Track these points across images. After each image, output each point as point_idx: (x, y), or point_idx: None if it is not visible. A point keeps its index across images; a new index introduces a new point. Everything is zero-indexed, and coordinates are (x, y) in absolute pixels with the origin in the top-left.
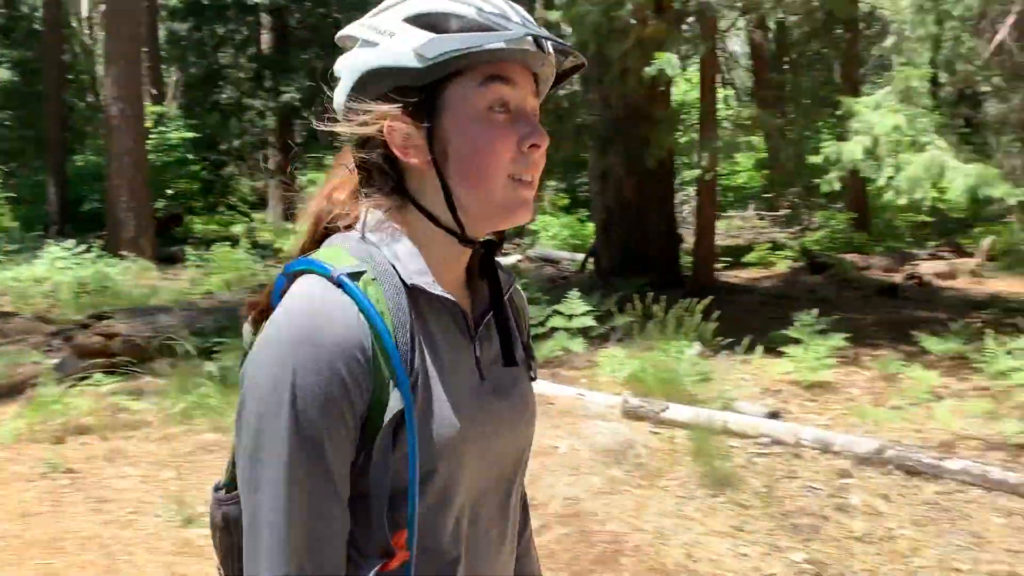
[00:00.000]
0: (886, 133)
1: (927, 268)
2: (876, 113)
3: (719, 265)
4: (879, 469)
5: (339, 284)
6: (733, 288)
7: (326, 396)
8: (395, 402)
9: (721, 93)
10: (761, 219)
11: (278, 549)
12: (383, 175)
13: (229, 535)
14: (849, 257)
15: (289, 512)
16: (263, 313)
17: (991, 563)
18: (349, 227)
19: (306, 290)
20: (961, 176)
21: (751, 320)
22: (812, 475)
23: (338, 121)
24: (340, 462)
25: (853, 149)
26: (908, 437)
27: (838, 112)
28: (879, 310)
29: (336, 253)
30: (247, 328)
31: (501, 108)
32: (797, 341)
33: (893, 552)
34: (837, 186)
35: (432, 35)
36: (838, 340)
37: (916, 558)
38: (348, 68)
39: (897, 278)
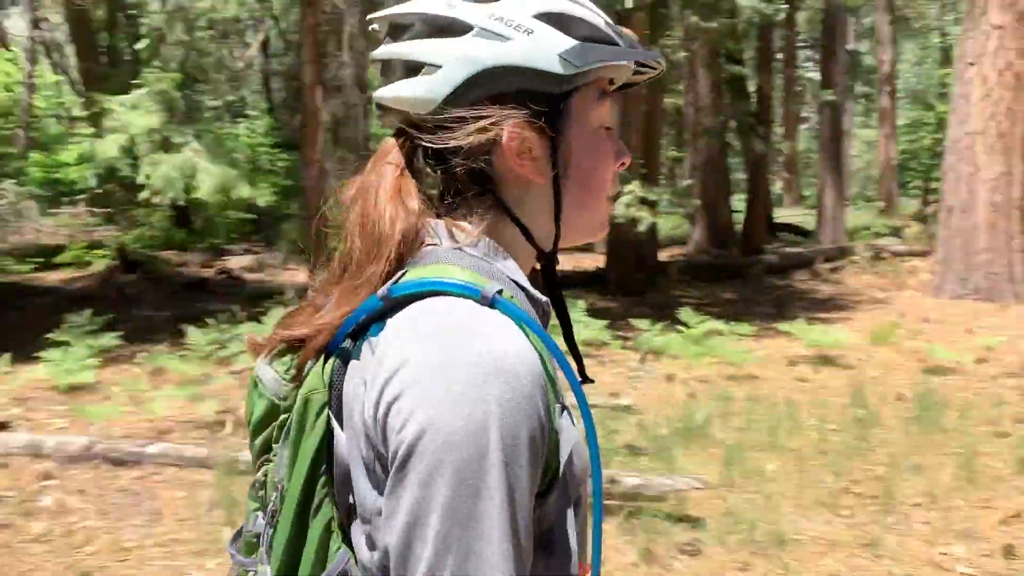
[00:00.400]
0: (142, 133)
1: (237, 263)
2: (133, 113)
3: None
4: (86, 465)
5: (493, 304)
6: (32, 291)
7: (531, 438)
8: (567, 432)
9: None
10: (93, 216)
11: None
12: (477, 184)
13: None
14: (166, 254)
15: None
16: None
17: (162, 535)
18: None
19: (459, 313)
20: (209, 177)
21: (40, 324)
22: (11, 483)
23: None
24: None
25: (108, 147)
26: (127, 429)
27: (93, 109)
28: (185, 304)
29: (453, 271)
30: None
31: (606, 125)
32: (65, 344)
33: (69, 545)
34: (93, 183)
35: (574, 40)
36: (110, 340)
37: (90, 546)
38: (458, 60)
39: (209, 273)
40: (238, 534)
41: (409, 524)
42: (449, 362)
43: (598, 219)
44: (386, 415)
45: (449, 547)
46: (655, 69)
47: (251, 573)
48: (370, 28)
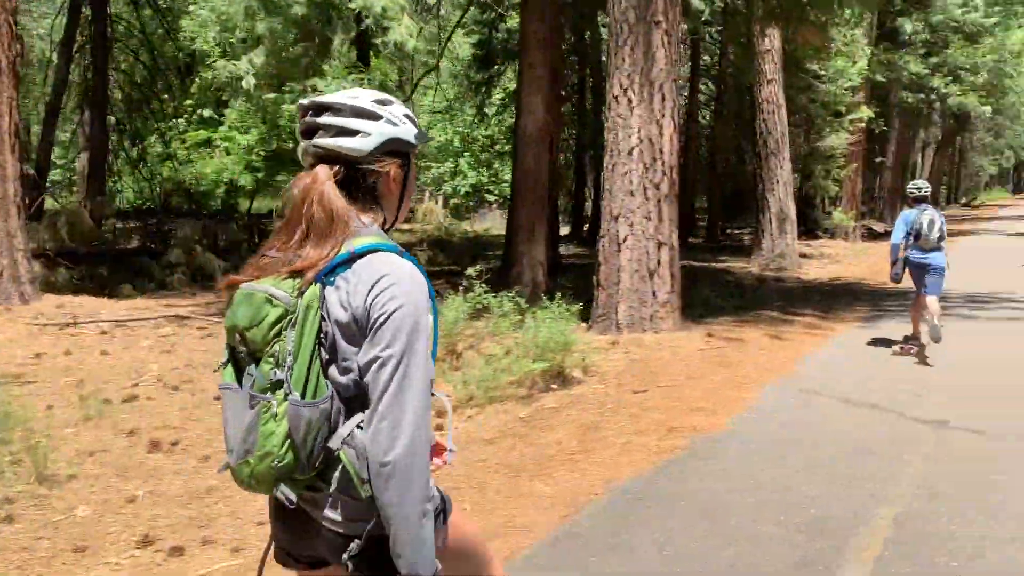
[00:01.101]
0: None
1: None
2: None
3: None
4: None
5: (402, 254)
6: None
7: (426, 308)
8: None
9: None
10: None
11: (419, 426)
12: (369, 192)
13: (315, 426)
14: None
15: (424, 387)
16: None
17: None
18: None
19: (396, 259)
20: None
21: None
22: None
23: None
24: None
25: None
26: None
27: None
28: None
29: (379, 239)
30: (289, 286)
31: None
32: None
33: None
34: None
35: (417, 129)
36: None
37: None
38: (379, 132)
39: None
40: (239, 382)
41: (390, 343)
42: (401, 276)
43: (405, 213)
44: (373, 301)
45: (405, 351)
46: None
47: (264, 402)
48: (298, 103)
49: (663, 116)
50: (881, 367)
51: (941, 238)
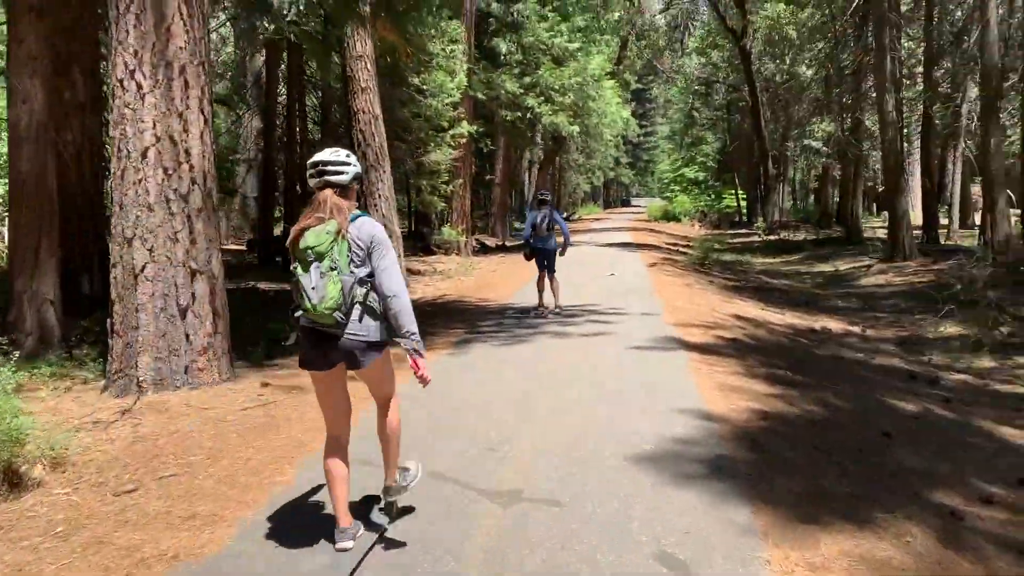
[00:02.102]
0: None
1: None
2: None
3: None
4: None
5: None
6: None
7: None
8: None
9: None
10: None
11: (401, 279)
12: (351, 193)
13: (349, 285)
14: None
15: (397, 263)
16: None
17: None
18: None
19: (369, 219)
20: None
21: None
22: None
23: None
24: None
25: None
26: None
27: None
28: None
29: (359, 212)
30: (333, 226)
31: None
32: None
33: None
34: None
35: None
36: None
37: None
38: (355, 166)
39: None
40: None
41: (387, 253)
42: (375, 224)
43: None
44: (371, 233)
45: (389, 258)
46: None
47: (330, 276)
48: (313, 160)
49: (187, 108)
50: (474, 409)
51: (550, 229)
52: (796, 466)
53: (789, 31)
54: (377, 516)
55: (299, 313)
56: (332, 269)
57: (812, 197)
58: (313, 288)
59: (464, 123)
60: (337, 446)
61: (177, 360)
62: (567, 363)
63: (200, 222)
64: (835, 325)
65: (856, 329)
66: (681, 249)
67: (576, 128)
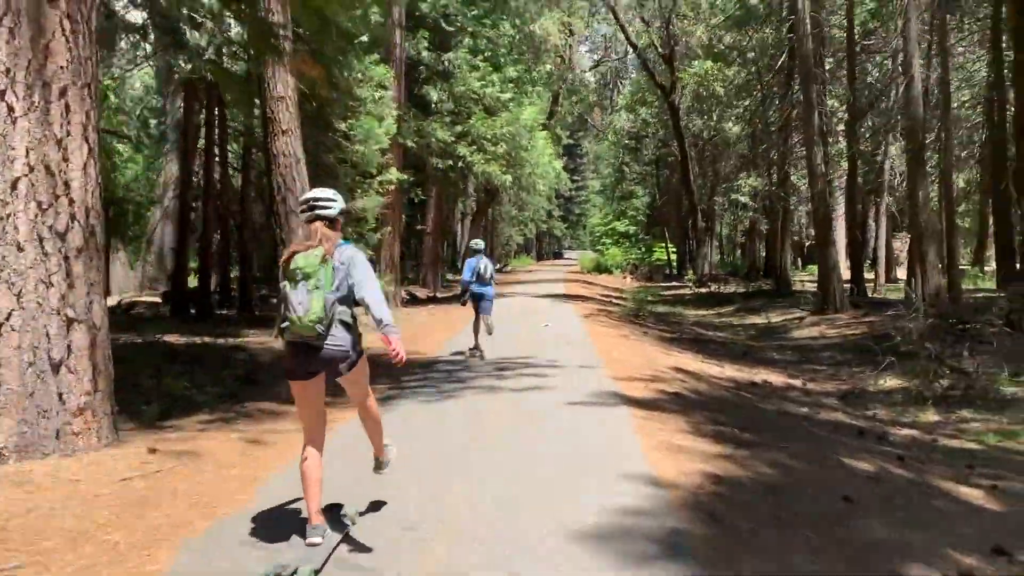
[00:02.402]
0: None
1: None
2: None
3: None
4: None
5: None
6: None
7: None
8: None
9: None
10: None
11: (377, 286)
12: (337, 225)
13: (330, 302)
14: None
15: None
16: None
17: None
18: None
19: (352, 247)
20: None
21: None
22: None
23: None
24: None
25: None
26: None
27: None
28: None
29: (345, 242)
30: (320, 252)
31: None
32: None
33: None
34: None
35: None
36: None
37: None
38: (340, 202)
39: None
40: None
41: (363, 268)
42: (356, 251)
43: None
44: (351, 257)
45: (370, 278)
46: None
47: (315, 293)
48: (304, 197)
49: (68, 135)
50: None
51: (491, 277)
52: (760, 542)
53: (716, 87)
54: (340, 520)
55: (285, 324)
56: (317, 288)
57: (739, 251)
58: (299, 303)
59: (393, 170)
60: (313, 452)
61: (47, 423)
62: (500, 422)
63: (80, 264)
64: (775, 378)
65: (797, 382)
66: (615, 301)
67: (509, 178)
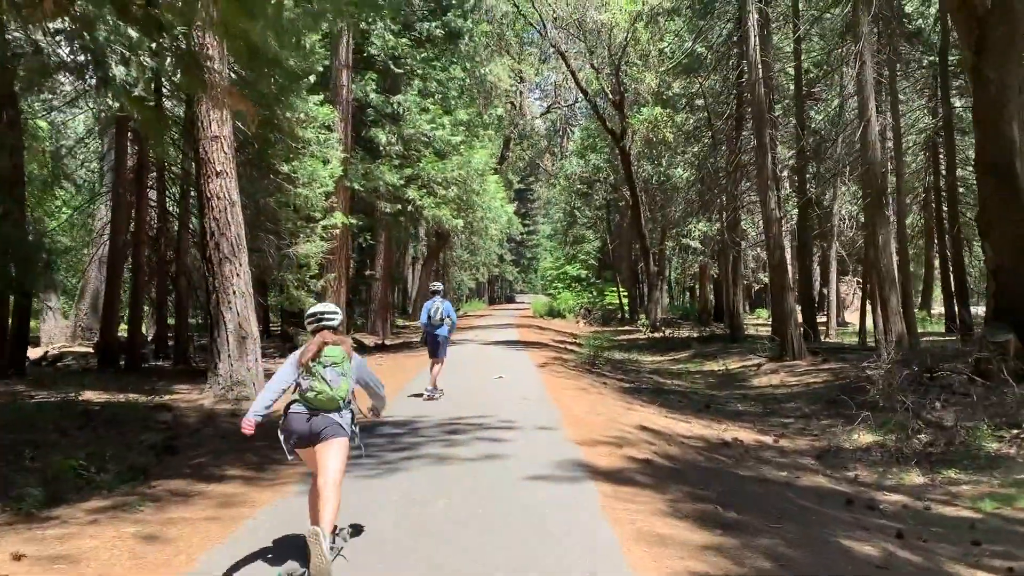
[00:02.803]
0: None
1: None
2: None
3: None
4: None
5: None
6: None
7: None
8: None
9: None
10: None
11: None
12: (339, 331)
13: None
14: None
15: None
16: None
17: None
18: None
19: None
20: None
21: None
22: None
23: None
24: None
25: None
26: None
27: None
28: None
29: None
30: (341, 350)
31: None
32: None
33: None
34: None
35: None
36: None
37: None
38: (341, 314)
39: None
40: (307, 389)
41: (367, 368)
42: (359, 357)
43: None
44: (357, 362)
45: (372, 372)
46: None
47: (317, 392)
48: (310, 312)
49: None
50: None
51: (442, 319)
52: None
53: (666, 133)
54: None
55: (310, 394)
56: (343, 375)
57: (687, 294)
58: (330, 381)
59: (338, 214)
60: (316, 487)
61: None
62: (450, 504)
63: None
64: (746, 435)
65: (768, 439)
66: (569, 347)
67: (460, 222)
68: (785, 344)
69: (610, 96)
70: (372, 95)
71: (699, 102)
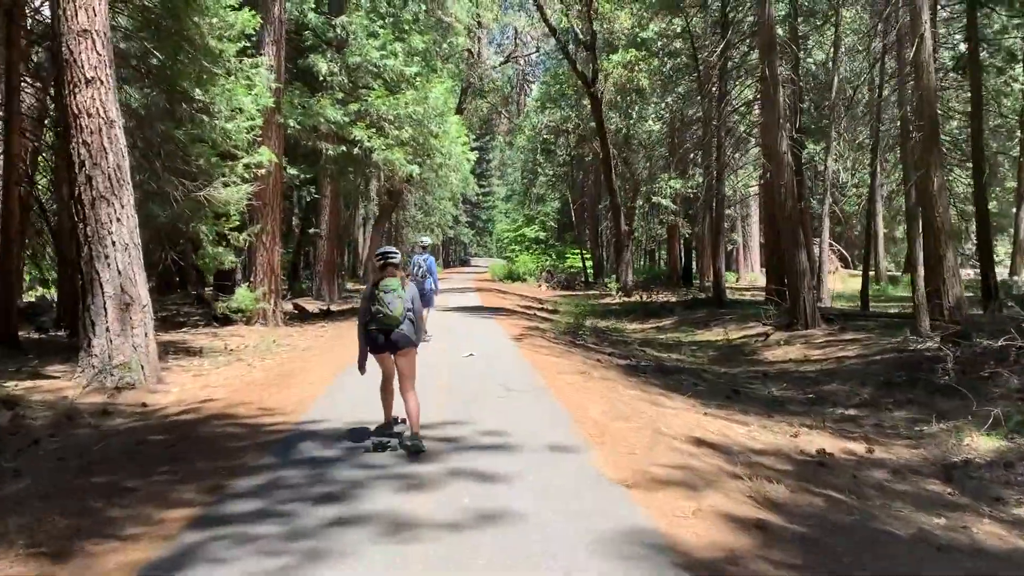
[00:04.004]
0: None
1: None
2: None
3: None
4: None
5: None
6: None
7: None
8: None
9: None
10: None
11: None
12: (399, 266)
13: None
14: None
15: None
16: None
17: None
18: None
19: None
20: None
21: None
22: None
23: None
24: None
25: None
26: None
27: None
28: None
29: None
30: (398, 280)
31: None
32: None
33: None
34: None
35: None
36: None
37: None
38: (399, 254)
39: None
40: (375, 312)
41: (417, 298)
42: (412, 285)
43: None
44: (411, 289)
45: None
46: None
47: (381, 314)
48: (379, 252)
49: None
50: None
51: (426, 273)
52: None
53: (641, 79)
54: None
55: (378, 316)
56: (399, 298)
57: (647, 258)
58: (390, 304)
59: (264, 150)
60: (388, 384)
61: None
62: None
63: None
64: (825, 442)
65: (859, 448)
66: (538, 314)
67: (416, 168)
68: (796, 310)
69: (580, 36)
70: (311, 15)
71: (677, 44)
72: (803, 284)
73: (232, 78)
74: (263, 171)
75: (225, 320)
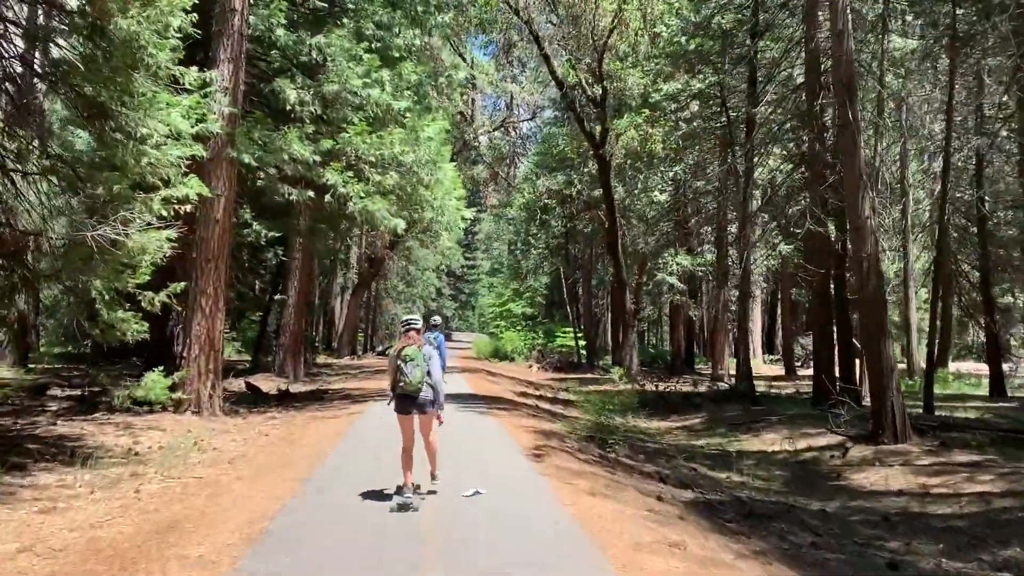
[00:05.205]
0: None
1: None
2: None
3: None
4: None
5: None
6: None
7: None
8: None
9: None
10: None
11: (440, 373)
12: (421, 331)
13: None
14: None
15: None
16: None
17: None
18: None
19: (427, 344)
20: None
21: None
22: None
23: (420, 327)
24: None
25: None
26: None
27: None
28: None
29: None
30: (415, 348)
31: None
32: None
33: None
34: None
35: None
36: None
37: None
38: (420, 319)
39: None
40: (399, 380)
41: (435, 360)
42: (430, 347)
43: None
44: (428, 352)
45: (438, 362)
46: None
47: (404, 382)
48: (403, 319)
49: None
50: None
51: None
52: None
53: (656, 141)
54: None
55: (402, 384)
56: (417, 366)
57: (648, 337)
58: (408, 373)
59: (194, 179)
60: (408, 449)
61: None
62: None
63: None
64: None
65: None
66: (541, 404)
67: (401, 223)
68: (883, 417)
69: (589, 93)
70: (280, 31)
71: (695, 107)
72: (891, 384)
73: (162, 86)
74: (204, 212)
75: (134, 404)
